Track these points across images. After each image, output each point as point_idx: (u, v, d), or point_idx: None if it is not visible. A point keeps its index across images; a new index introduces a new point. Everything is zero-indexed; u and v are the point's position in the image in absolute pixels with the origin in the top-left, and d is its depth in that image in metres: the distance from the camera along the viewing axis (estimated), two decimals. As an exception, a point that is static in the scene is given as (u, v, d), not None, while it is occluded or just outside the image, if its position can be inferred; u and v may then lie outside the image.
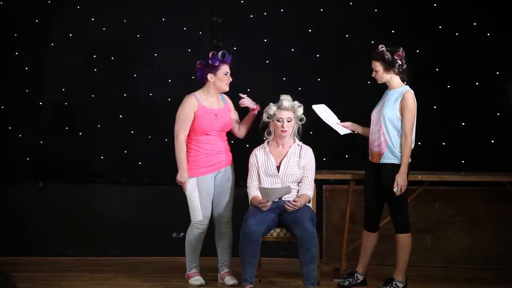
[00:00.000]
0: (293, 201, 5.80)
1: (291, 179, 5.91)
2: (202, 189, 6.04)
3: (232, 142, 6.40)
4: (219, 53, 6.01)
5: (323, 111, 6.20)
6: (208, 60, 6.01)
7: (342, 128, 6.15)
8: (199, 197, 6.02)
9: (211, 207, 6.10)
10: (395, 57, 5.76)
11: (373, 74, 5.84)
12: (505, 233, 6.70)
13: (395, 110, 5.75)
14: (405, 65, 5.81)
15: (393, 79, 5.82)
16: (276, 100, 5.94)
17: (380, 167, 5.81)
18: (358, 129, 6.11)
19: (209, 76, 6.03)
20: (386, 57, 5.74)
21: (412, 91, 5.77)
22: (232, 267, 6.19)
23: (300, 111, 5.94)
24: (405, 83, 5.84)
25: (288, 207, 5.77)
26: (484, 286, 6.15)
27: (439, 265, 6.78)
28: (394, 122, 5.75)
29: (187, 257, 6.17)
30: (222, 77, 6.04)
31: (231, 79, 6.08)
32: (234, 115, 6.23)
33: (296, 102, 5.93)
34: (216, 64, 6.01)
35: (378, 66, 5.79)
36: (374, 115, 5.89)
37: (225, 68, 6.05)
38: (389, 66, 5.77)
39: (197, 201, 6.02)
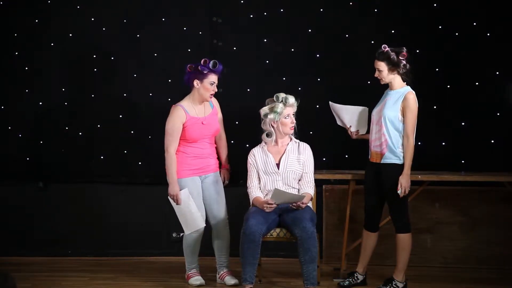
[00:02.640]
0: (301, 202, 5.76)
1: (292, 176, 5.90)
2: (193, 189, 6.02)
3: (232, 142, 6.39)
4: (211, 62, 5.93)
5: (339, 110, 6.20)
6: (199, 65, 5.95)
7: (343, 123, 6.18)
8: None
9: (205, 210, 6.09)
10: (400, 58, 5.76)
11: (376, 74, 5.83)
12: (505, 233, 6.69)
13: (395, 110, 5.75)
14: (408, 66, 5.81)
15: (396, 79, 5.82)
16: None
17: (381, 167, 5.81)
18: (363, 136, 6.12)
19: (196, 82, 5.98)
20: (391, 57, 5.74)
21: (414, 91, 5.78)
22: (230, 267, 6.19)
23: (296, 104, 5.94)
24: (406, 83, 5.84)
25: (293, 205, 5.75)
26: (484, 286, 6.15)
27: (439, 265, 6.77)
28: (395, 123, 5.75)
29: (186, 258, 6.17)
30: (207, 86, 5.97)
31: (216, 90, 6.02)
32: (220, 119, 6.21)
33: (292, 96, 5.94)
34: (205, 72, 5.93)
35: (382, 66, 5.78)
36: (374, 114, 5.89)
37: (212, 78, 5.97)
38: (394, 66, 5.77)
39: (194, 208, 5.98)
